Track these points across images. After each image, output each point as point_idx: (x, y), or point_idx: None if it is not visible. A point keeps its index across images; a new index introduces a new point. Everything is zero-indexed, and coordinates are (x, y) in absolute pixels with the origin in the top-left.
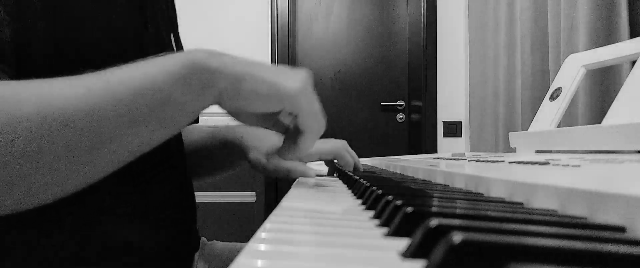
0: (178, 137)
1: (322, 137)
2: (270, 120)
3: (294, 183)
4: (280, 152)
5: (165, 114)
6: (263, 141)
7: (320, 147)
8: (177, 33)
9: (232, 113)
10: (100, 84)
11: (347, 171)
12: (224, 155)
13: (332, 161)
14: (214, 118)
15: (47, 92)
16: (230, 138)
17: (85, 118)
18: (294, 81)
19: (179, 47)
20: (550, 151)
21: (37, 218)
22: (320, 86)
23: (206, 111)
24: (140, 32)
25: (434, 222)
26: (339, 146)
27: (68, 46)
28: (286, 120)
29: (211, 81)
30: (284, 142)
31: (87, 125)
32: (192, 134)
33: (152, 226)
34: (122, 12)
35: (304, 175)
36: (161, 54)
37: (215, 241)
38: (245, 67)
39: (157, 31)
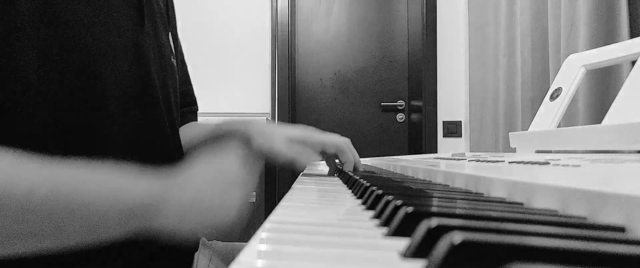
0: (176, 137)
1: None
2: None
3: (294, 183)
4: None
5: (91, 235)
6: (267, 130)
7: (325, 139)
8: (175, 32)
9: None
10: (43, 192)
11: (347, 171)
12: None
13: (333, 159)
14: (214, 119)
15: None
16: (234, 128)
17: (11, 216)
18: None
19: (177, 46)
20: (550, 151)
21: None
22: (320, 86)
23: (205, 111)
24: (137, 31)
25: (434, 222)
26: (342, 141)
27: (62, 44)
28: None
29: (148, 229)
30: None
31: (10, 222)
32: (193, 131)
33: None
34: (118, 10)
35: (307, 163)
36: (156, 54)
37: (215, 241)
38: (179, 221)
39: (155, 30)
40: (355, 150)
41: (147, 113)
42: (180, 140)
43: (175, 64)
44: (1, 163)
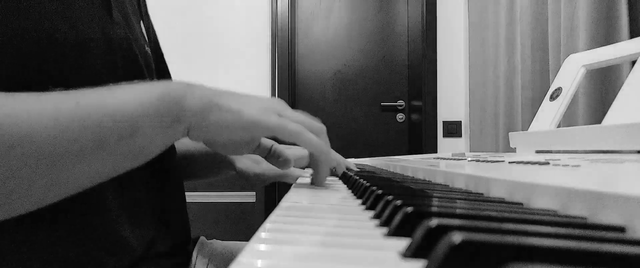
0: None
1: None
2: (247, 147)
3: (294, 183)
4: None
5: (133, 144)
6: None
7: (293, 153)
8: (148, 22)
9: (206, 143)
10: (70, 105)
11: (347, 171)
12: (209, 161)
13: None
14: None
15: (11, 105)
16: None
17: (49, 137)
18: (258, 108)
19: (151, 35)
20: (550, 151)
21: (31, 218)
22: (320, 86)
23: None
24: (105, 20)
25: (434, 222)
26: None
27: (24, 35)
28: (267, 143)
29: (181, 117)
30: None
31: (49, 144)
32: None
33: (144, 226)
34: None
35: (294, 178)
36: (129, 44)
37: (214, 240)
38: (212, 98)
39: (126, 19)
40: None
41: None
42: (174, 144)
43: (149, 52)
44: (21, 96)
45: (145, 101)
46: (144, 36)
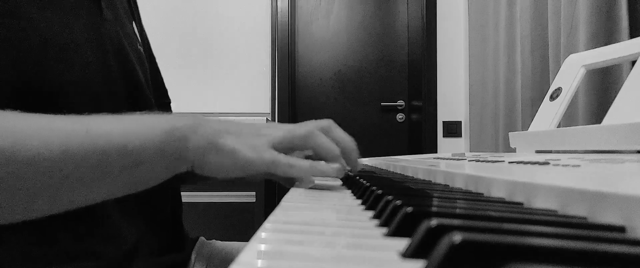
0: None
1: None
2: (250, 177)
3: (294, 183)
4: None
5: (134, 175)
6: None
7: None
8: (140, 22)
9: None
10: (80, 133)
11: (347, 171)
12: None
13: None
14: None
15: (24, 129)
16: None
17: (57, 163)
18: (254, 146)
19: (143, 37)
20: (550, 151)
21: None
22: (320, 86)
23: (206, 111)
24: (95, 17)
25: (434, 222)
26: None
27: (14, 36)
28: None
29: (185, 156)
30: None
31: (56, 169)
32: None
33: (134, 217)
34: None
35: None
36: (121, 42)
37: (214, 240)
38: (213, 138)
39: (117, 17)
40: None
41: (116, 106)
42: None
43: (142, 51)
44: (34, 117)
45: (151, 136)
46: (137, 36)
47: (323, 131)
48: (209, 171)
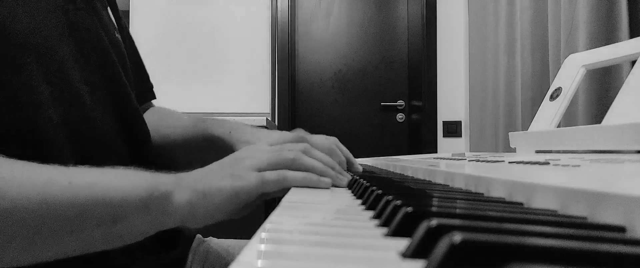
0: (133, 119)
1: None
2: (247, 207)
3: None
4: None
5: (112, 231)
6: (254, 136)
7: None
8: (116, 9)
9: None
10: (62, 184)
11: (347, 171)
12: (205, 149)
13: None
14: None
15: (3, 175)
16: (217, 133)
17: (33, 214)
18: (234, 175)
19: (119, 23)
20: (550, 151)
21: None
22: (320, 86)
23: (206, 111)
24: (68, 6)
25: (434, 222)
26: (330, 146)
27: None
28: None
29: (171, 211)
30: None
31: (31, 219)
32: (167, 122)
33: None
34: None
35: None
36: (96, 30)
37: (211, 238)
38: (196, 186)
39: (89, 4)
40: (345, 149)
41: (96, 96)
42: (141, 121)
43: (120, 39)
44: (16, 164)
45: (134, 191)
46: (113, 23)
47: (305, 153)
48: (202, 220)
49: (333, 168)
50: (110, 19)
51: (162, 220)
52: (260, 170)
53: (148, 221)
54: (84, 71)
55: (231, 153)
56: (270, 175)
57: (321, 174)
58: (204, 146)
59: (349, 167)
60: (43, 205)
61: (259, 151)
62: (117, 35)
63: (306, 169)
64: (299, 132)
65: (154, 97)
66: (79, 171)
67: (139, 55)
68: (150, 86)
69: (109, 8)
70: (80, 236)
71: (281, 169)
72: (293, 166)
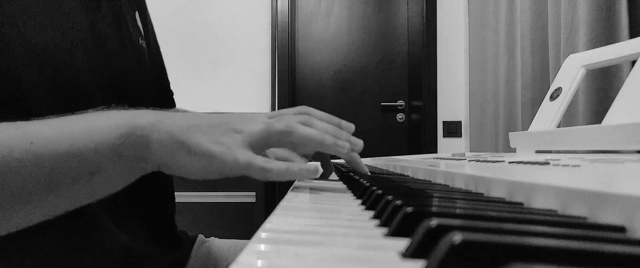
0: None
1: None
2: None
3: (294, 183)
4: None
5: (91, 184)
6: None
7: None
8: (145, 14)
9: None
10: (23, 144)
11: (345, 170)
12: None
13: (328, 159)
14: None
15: None
16: None
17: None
18: (229, 144)
19: (146, 26)
20: (550, 151)
21: None
22: (320, 86)
23: (205, 111)
24: (93, 13)
25: (433, 222)
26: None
27: (9, 45)
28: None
29: (147, 156)
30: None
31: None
32: None
33: (133, 230)
34: None
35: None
36: (120, 38)
37: (213, 238)
38: (179, 135)
39: (115, 9)
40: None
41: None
42: None
43: (143, 46)
44: None
45: (105, 142)
46: (139, 28)
47: (303, 123)
48: (179, 172)
49: (339, 134)
50: (137, 24)
51: (139, 165)
52: (251, 147)
53: (126, 169)
54: (101, 85)
55: None
56: (258, 163)
57: (315, 147)
58: None
59: (355, 167)
60: (7, 169)
61: (254, 122)
62: (142, 42)
63: (297, 141)
64: (303, 108)
65: (174, 106)
66: (43, 129)
67: (162, 60)
68: (169, 95)
69: (137, 12)
70: (60, 193)
71: (272, 144)
72: (284, 140)
